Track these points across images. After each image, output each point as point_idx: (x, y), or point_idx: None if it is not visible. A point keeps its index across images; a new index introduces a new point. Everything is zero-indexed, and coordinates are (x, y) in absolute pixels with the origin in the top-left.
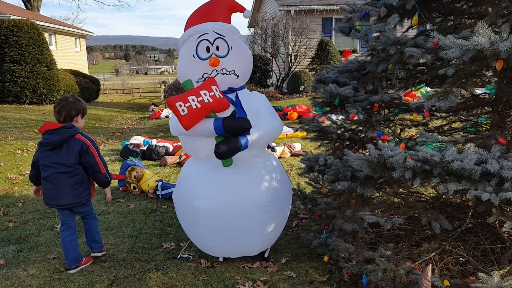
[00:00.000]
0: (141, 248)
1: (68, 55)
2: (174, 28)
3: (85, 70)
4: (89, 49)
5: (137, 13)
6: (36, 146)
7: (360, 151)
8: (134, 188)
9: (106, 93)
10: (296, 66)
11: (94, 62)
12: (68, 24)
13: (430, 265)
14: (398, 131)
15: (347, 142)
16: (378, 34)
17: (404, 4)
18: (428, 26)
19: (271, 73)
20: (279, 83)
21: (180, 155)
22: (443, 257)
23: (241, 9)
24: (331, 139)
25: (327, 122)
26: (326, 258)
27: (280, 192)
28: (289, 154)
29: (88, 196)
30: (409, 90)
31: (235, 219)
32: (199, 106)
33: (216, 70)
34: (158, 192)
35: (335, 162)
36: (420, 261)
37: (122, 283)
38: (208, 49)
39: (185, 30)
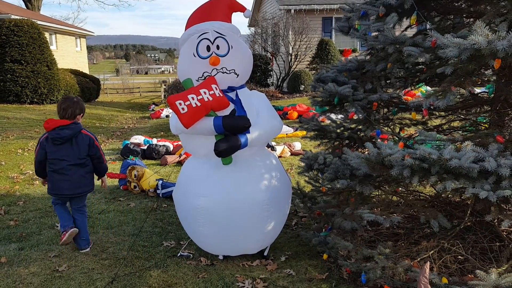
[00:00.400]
0: (141, 246)
1: (69, 55)
2: (175, 28)
3: (86, 70)
4: (90, 48)
5: (138, 12)
6: (37, 144)
7: (359, 150)
8: (135, 187)
9: (107, 93)
10: (296, 65)
11: (95, 62)
12: (69, 23)
13: (428, 262)
14: (397, 130)
15: (347, 141)
16: (377, 33)
17: (402, 3)
18: (428, 25)
19: (271, 72)
20: (279, 83)
21: (180, 154)
22: (441, 255)
23: (241, 8)
24: (331, 138)
25: (327, 122)
26: (325, 256)
27: (279, 191)
28: (289, 153)
29: (93, 185)
30: (408, 89)
31: (235, 217)
32: (199, 104)
33: (216, 69)
34: (158, 191)
35: (334, 160)
36: (418, 259)
37: (122, 280)
38: (208, 48)
39: (185, 29)
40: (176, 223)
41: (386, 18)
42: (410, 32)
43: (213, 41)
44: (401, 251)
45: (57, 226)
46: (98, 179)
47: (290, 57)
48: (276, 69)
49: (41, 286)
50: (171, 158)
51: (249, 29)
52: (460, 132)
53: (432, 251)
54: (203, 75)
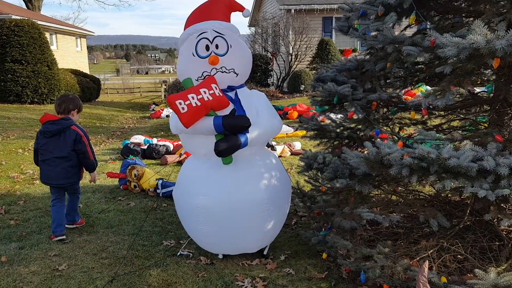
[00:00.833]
0: (141, 245)
1: (69, 55)
2: (175, 28)
3: (86, 70)
4: (90, 48)
5: (138, 12)
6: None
7: (359, 149)
8: (135, 186)
9: (107, 93)
10: (297, 65)
11: (95, 62)
12: (69, 23)
13: (427, 261)
14: (397, 129)
15: (346, 141)
16: (376, 32)
17: (401, 3)
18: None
19: (271, 72)
20: (279, 83)
21: (180, 154)
22: (441, 255)
23: (240, 8)
24: (330, 137)
25: (327, 121)
26: (324, 255)
27: (279, 190)
28: (289, 153)
29: (78, 178)
30: (408, 88)
31: (235, 216)
32: (199, 104)
33: (216, 69)
34: (158, 191)
35: (334, 160)
36: (418, 258)
37: (122, 279)
38: (207, 48)
39: (184, 29)
40: (176, 223)
41: (385, 18)
42: (410, 32)
43: (212, 41)
44: (401, 250)
45: None
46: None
47: (290, 57)
48: (277, 69)
49: (41, 285)
50: (171, 158)
51: (249, 29)
52: (459, 131)
53: (431, 250)
54: (202, 74)
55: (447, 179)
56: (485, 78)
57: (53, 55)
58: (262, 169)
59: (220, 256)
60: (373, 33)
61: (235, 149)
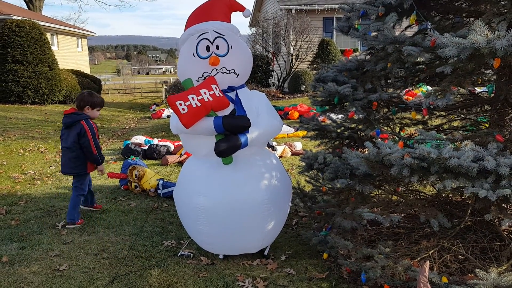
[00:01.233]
0: (142, 245)
1: (70, 55)
2: (176, 28)
3: (87, 70)
4: (91, 49)
5: (139, 13)
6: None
7: (360, 149)
8: (135, 187)
9: (108, 93)
10: (297, 65)
11: (96, 62)
12: (70, 24)
13: (428, 261)
14: (398, 129)
15: (347, 141)
16: (376, 33)
17: (402, 3)
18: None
19: (272, 72)
20: (280, 83)
21: (181, 154)
22: (442, 255)
23: (240, 8)
24: (331, 137)
25: (328, 121)
26: (325, 256)
27: (280, 190)
28: (290, 153)
29: (83, 170)
30: (409, 88)
31: (235, 216)
32: (199, 104)
33: (216, 69)
34: (159, 191)
35: (334, 160)
36: (419, 258)
37: (123, 280)
38: (208, 48)
39: (185, 30)
40: (177, 223)
41: (385, 18)
42: (410, 32)
43: (213, 41)
44: (401, 251)
45: (58, 226)
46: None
47: (291, 57)
48: (277, 69)
49: (42, 285)
50: (172, 158)
51: (250, 29)
52: (460, 131)
53: (432, 251)
54: (203, 75)
55: (448, 179)
56: (486, 78)
57: (54, 55)
58: (262, 169)
59: (221, 256)
60: (374, 33)
61: (235, 149)
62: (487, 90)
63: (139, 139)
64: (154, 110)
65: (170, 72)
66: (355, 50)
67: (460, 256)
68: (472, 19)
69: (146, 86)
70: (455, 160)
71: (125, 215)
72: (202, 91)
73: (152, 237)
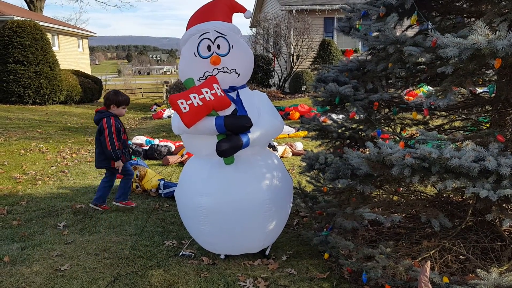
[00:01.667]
0: (143, 245)
1: (71, 56)
2: (176, 28)
3: (88, 71)
4: (92, 49)
5: (139, 13)
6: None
7: (361, 149)
8: (137, 187)
9: None
10: (298, 66)
11: (97, 63)
12: (71, 24)
13: (429, 261)
14: (399, 130)
15: (348, 141)
16: (377, 33)
17: (403, 3)
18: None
19: (273, 73)
20: (281, 83)
21: (182, 154)
22: (443, 255)
23: (242, 9)
24: (332, 138)
25: (329, 122)
26: (326, 256)
27: (281, 190)
28: (291, 154)
29: (107, 165)
30: (409, 89)
31: (237, 216)
32: (200, 104)
33: (217, 69)
34: (160, 191)
35: (335, 160)
36: (420, 258)
37: (124, 279)
38: (209, 48)
39: (186, 30)
40: (178, 223)
41: (386, 18)
42: (411, 32)
43: (214, 41)
44: (402, 251)
45: (59, 226)
46: None
47: (292, 58)
48: (278, 70)
49: (44, 285)
50: (173, 159)
51: (251, 29)
52: (461, 132)
53: (433, 251)
54: (204, 74)
55: (449, 179)
56: (487, 79)
57: (55, 56)
58: (263, 169)
59: (222, 256)
60: (375, 34)
61: (236, 149)
62: (488, 90)
63: (140, 139)
64: (155, 110)
65: (171, 72)
66: (356, 51)
67: (461, 256)
68: (473, 19)
69: (147, 86)
70: (456, 160)
71: (127, 215)
72: (203, 90)
73: (154, 237)
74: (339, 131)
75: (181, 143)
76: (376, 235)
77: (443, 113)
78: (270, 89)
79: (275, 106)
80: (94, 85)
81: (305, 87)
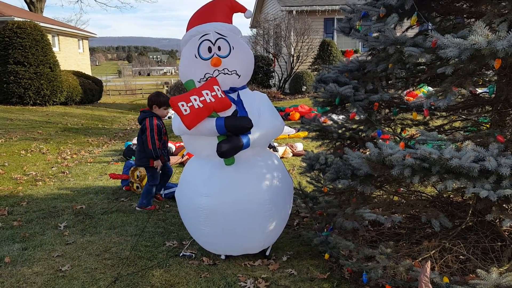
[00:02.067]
0: (144, 246)
1: (71, 57)
2: (177, 29)
3: (88, 71)
4: (92, 50)
5: (140, 14)
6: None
7: (361, 150)
8: (137, 187)
9: (109, 94)
10: (298, 66)
11: (97, 63)
12: (71, 25)
13: (429, 261)
14: (399, 130)
15: (348, 142)
16: (377, 34)
17: (403, 4)
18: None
19: (273, 73)
20: (281, 84)
21: (183, 155)
22: (443, 255)
23: (242, 9)
24: (332, 138)
25: (329, 122)
26: (327, 256)
27: (281, 191)
28: (291, 154)
29: (146, 163)
30: (409, 89)
31: (237, 217)
32: (201, 105)
33: (218, 70)
34: (160, 192)
35: (336, 160)
36: (420, 258)
37: (125, 280)
38: (209, 49)
39: (187, 31)
40: (179, 223)
41: (386, 19)
42: (411, 33)
43: (215, 42)
44: (403, 251)
45: (60, 226)
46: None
47: (292, 58)
48: (278, 70)
49: (45, 285)
50: (173, 159)
51: (251, 30)
52: (461, 132)
53: (433, 251)
54: (204, 76)
55: (449, 180)
56: (487, 79)
57: (56, 56)
58: (264, 170)
59: (223, 257)
60: (375, 34)
61: (237, 150)
62: (488, 90)
63: None
64: None
65: (171, 73)
66: (356, 51)
67: (461, 257)
68: (473, 20)
69: (147, 87)
70: (456, 161)
71: (127, 216)
72: (204, 92)
73: (154, 238)
74: (340, 131)
75: (181, 144)
76: (376, 235)
77: (443, 113)
78: (270, 89)
79: (275, 107)
80: (95, 86)
81: (305, 87)
